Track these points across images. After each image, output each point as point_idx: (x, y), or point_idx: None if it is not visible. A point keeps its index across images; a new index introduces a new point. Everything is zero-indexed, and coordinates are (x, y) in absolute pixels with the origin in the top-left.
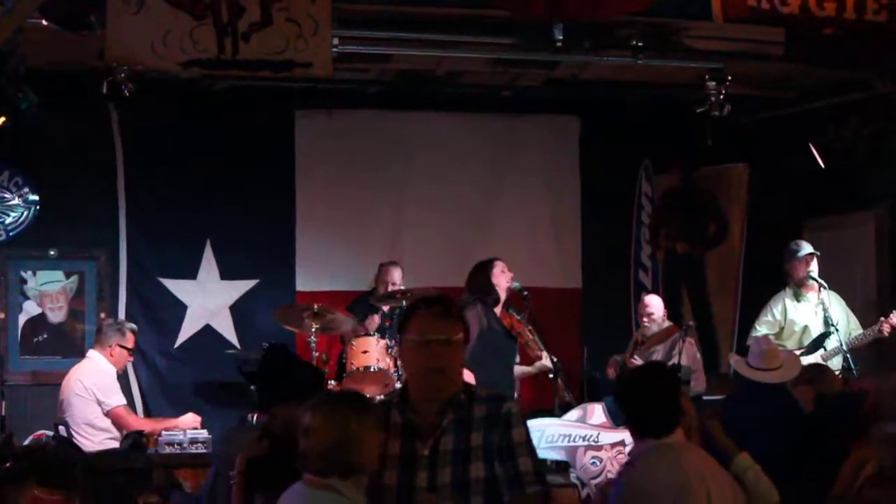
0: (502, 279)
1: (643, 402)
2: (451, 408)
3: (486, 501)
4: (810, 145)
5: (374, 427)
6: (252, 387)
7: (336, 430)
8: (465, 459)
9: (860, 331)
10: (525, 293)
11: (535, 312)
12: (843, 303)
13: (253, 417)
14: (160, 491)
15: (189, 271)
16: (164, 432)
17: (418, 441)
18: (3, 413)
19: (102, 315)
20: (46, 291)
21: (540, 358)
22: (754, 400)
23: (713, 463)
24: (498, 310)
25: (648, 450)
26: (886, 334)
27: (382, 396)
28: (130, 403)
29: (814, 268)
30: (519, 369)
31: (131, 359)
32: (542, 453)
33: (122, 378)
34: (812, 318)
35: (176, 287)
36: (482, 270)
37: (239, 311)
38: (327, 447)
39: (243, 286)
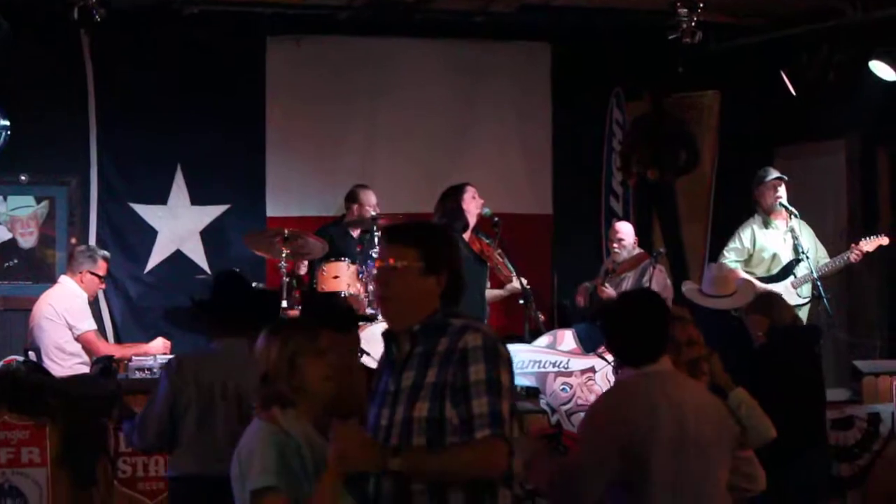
0: (472, 205)
1: (626, 331)
2: (418, 340)
3: (429, 443)
4: (782, 73)
5: (314, 354)
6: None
7: (271, 359)
8: (416, 397)
9: (828, 259)
10: (495, 219)
11: (505, 239)
12: (811, 231)
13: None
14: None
15: (159, 196)
16: (134, 358)
17: (392, 376)
18: None
19: (73, 240)
20: (17, 216)
21: (510, 280)
22: (702, 327)
23: (699, 393)
24: (467, 235)
25: (628, 377)
26: (856, 261)
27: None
28: (101, 328)
29: (782, 194)
30: (490, 293)
31: (103, 286)
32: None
33: (93, 303)
34: (781, 245)
35: (146, 212)
36: (452, 196)
37: (209, 236)
38: (262, 377)
39: (214, 211)
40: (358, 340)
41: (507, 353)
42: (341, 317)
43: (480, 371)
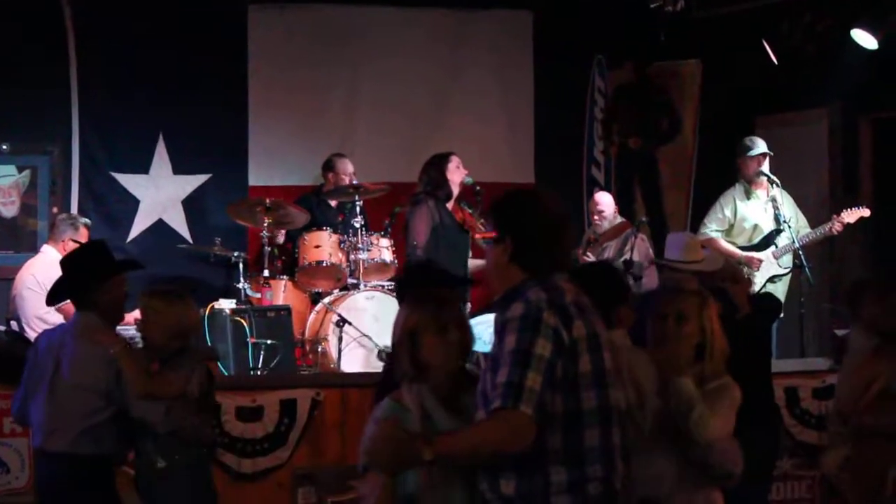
0: (457, 175)
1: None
2: (498, 311)
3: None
4: (764, 42)
5: (435, 331)
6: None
7: (395, 335)
8: (488, 369)
9: (808, 229)
10: (477, 188)
11: (486, 207)
12: (792, 201)
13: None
14: None
15: (141, 165)
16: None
17: None
18: None
19: (55, 210)
20: None
21: None
22: None
23: (632, 366)
24: (450, 205)
25: None
26: (837, 232)
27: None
28: None
29: (765, 165)
30: (473, 263)
31: None
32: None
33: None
34: (762, 215)
35: (128, 181)
36: (436, 164)
37: (191, 205)
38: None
39: (196, 181)
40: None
41: (555, 321)
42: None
43: (511, 341)
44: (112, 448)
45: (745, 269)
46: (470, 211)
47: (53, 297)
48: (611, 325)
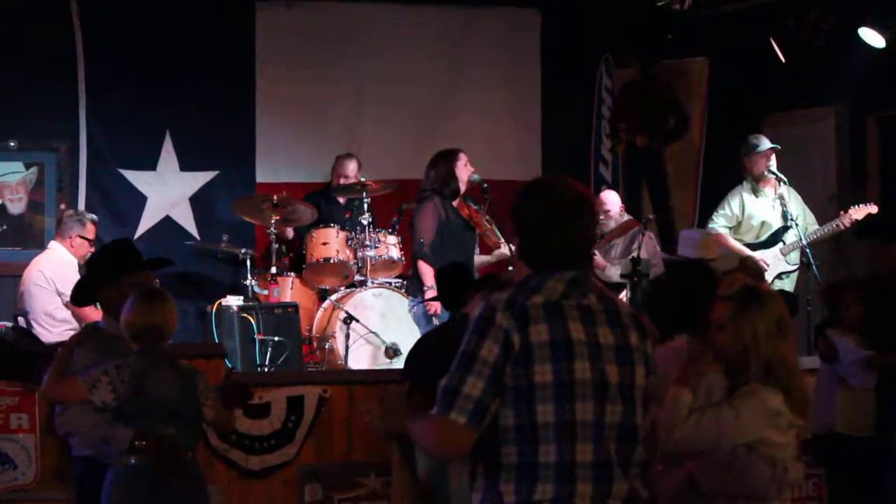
0: (465, 172)
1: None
2: None
3: None
4: (771, 40)
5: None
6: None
7: None
8: None
9: (817, 226)
10: (485, 185)
11: (494, 205)
12: (800, 198)
13: (212, 308)
14: None
15: (149, 162)
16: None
17: None
18: None
19: (62, 206)
20: (6, 182)
21: (499, 247)
22: None
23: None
24: (456, 201)
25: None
26: (845, 229)
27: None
28: None
29: (772, 162)
30: (478, 259)
31: (92, 250)
32: None
33: (82, 269)
34: (770, 212)
35: (136, 178)
36: (444, 161)
37: (199, 202)
38: None
39: (203, 177)
40: None
41: (508, 323)
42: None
43: (463, 343)
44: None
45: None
46: (476, 208)
47: (78, 295)
48: (694, 327)
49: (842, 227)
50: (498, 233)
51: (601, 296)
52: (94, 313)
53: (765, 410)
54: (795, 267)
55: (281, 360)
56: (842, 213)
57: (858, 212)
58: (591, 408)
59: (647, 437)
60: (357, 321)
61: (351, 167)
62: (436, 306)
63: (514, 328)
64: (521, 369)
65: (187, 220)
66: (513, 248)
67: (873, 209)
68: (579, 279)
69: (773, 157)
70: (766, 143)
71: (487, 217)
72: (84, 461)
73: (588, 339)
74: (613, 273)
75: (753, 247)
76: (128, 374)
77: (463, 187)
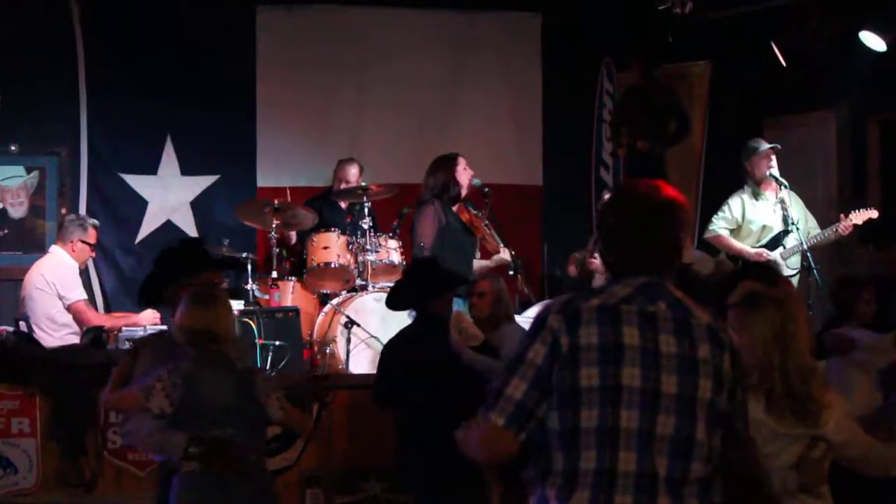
0: (464, 176)
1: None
2: None
3: None
4: (772, 44)
5: None
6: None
7: None
8: None
9: (818, 230)
10: (486, 190)
11: (495, 210)
12: (801, 202)
13: None
14: None
15: (150, 167)
16: (124, 328)
17: None
18: None
19: (63, 211)
20: (7, 187)
21: (498, 251)
22: None
23: None
24: (455, 206)
25: None
26: (845, 234)
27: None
28: (91, 299)
29: (774, 165)
30: (477, 263)
31: (93, 254)
32: None
33: (84, 274)
34: (771, 216)
35: (136, 182)
36: (444, 166)
37: (200, 206)
38: None
39: (204, 182)
40: None
41: (558, 325)
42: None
43: (518, 342)
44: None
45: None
46: (475, 213)
47: (143, 295)
48: None
49: (842, 232)
50: (497, 237)
51: (676, 304)
52: (97, 317)
53: None
54: (796, 271)
55: (282, 364)
56: (842, 217)
57: (859, 216)
58: (638, 416)
59: (713, 454)
60: (358, 325)
61: (352, 171)
62: None
63: (563, 330)
64: (567, 372)
65: (188, 225)
66: (512, 252)
67: (874, 214)
68: (651, 285)
69: (775, 159)
70: (764, 145)
71: (487, 222)
72: (162, 466)
73: (644, 345)
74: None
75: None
76: (180, 379)
77: (463, 192)
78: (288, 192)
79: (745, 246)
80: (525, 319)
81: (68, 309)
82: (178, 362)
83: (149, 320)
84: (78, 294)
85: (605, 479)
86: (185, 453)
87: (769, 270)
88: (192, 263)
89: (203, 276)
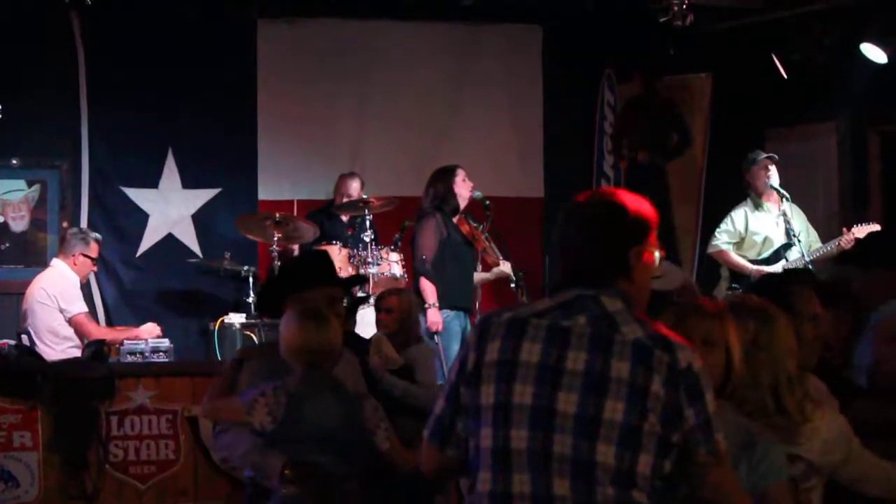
0: (463, 188)
1: None
2: None
3: None
4: (773, 56)
5: None
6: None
7: None
8: None
9: (819, 244)
10: (487, 202)
11: (496, 222)
12: (803, 215)
13: (214, 326)
14: None
15: (151, 180)
16: (126, 342)
17: None
18: None
19: (64, 224)
20: (8, 200)
21: (498, 264)
22: None
23: None
24: (456, 218)
25: None
26: (848, 247)
27: None
28: (93, 312)
29: (774, 174)
30: (478, 276)
31: (94, 268)
32: None
33: (85, 287)
34: (773, 228)
35: (138, 196)
36: (443, 178)
37: (201, 219)
38: None
39: (205, 195)
40: None
41: (473, 339)
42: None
43: None
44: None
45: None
46: (476, 225)
47: (262, 302)
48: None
49: (844, 246)
50: (496, 251)
51: (602, 318)
52: (97, 330)
53: None
54: None
55: None
56: (844, 230)
57: (861, 230)
58: (527, 435)
59: (641, 479)
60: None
61: (354, 186)
62: (437, 322)
63: (472, 346)
64: (472, 389)
65: (189, 238)
66: (512, 265)
67: (876, 227)
68: (581, 298)
69: (774, 170)
70: (762, 155)
71: (487, 234)
72: (252, 484)
73: (542, 361)
74: None
75: (755, 263)
76: (284, 397)
77: (462, 204)
78: (295, 204)
79: (746, 263)
80: None
81: (69, 322)
82: (284, 378)
83: (149, 333)
84: (79, 307)
85: (500, 502)
86: (281, 476)
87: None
88: (317, 275)
89: (324, 290)
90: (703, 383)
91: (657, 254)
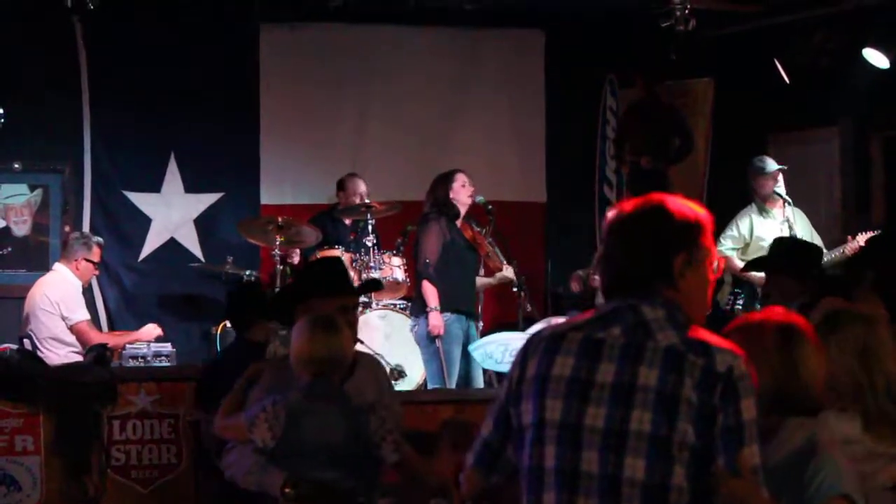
0: (462, 193)
1: None
2: None
3: None
4: (775, 60)
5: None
6: None
7: None
8: None
9: (824, 250)
10: (489, 207)
11: (498, 226)
12: (807, 220)
13: (216, 330)
14: None
15: (153, 184)
16: (127, 346)
17: None
18: None
19: (67, 228)
20: (11, 205)
21: (500, 269)
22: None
23: None
24: (459, 222)
25: None
26: (851, 253)
27: None
28: (95, 317)
29: (780, 183)
30: (480, 281)
31: (97, 272)
32: (506, 367)
33: (87, 292)
34: (778, 233)
35: (140, 200)
36: (442, 184)
37: (203, 224)
38: None
39: (207, 199)
40: None
41: (519, 357)
42: None
43: None
44: None
45: (759, 289)
46: (478, 230)
47: (275, 307)
48: None
49: (849, 254)
50: (500, 255)
51: (638, 327)
52: (99, 337)
53: None
54: None
55: None
56: (849, 238)
57: (865, 237)
58: (555, 452)
59: (669, 496)
60: (362, 343)
61: (362, 186)
62: (438, 325)
63: (517, 363)
64: (514, 408)
65: (192, 242)
66: (515, 270)
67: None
68: (619, 309)
69: (780, 177)
70: (772, 165)
71: (490, 240)
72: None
73: (574, 375)
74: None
75: None
76: (284, 412)
77: (462, 209)
78: (297, 209)
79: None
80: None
81: (71, 329)
82: (287, 392)
83: (149, 335)
84: (80, 315)
85: None
86: (282, 493)
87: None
88: (332, 283)
89: (337, 298)
90: (741, 387)
91: (710, 259)
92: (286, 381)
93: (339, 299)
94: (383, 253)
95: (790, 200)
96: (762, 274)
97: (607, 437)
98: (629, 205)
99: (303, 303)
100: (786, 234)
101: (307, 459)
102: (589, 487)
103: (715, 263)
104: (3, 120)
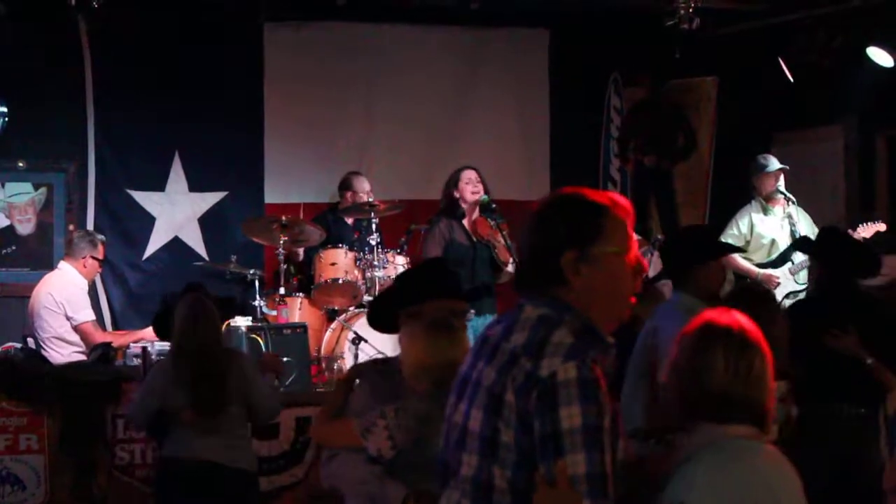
0: (466, 191)
1: None
2: None
3: None
4: (779, 59)
5: None
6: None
7: None
8: None
9: None
10: (493, 206)
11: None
12: (808, 218)
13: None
14: None
15: (157, 183)
16: (132, 345)
17: None
18: None
19: (71, 227)
20: (15, 203)
21: (507, 265)
22: None
23: None
24: (466, 221)
25: None
26: None
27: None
28: (99, 315)
29: (781, 181)
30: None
31: (101, 270)
32: None
33: (91, 290)
34: (779, 231)
35: (144, 199)
36: (449, 182)
37: (207, 222)
38: None
39: (212, 198)
40: None
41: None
42: None
43: (581, 413)
44: None
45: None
46: (492, 223)
47: (374, 315)
48: None
49: None
50: (511, 252)
51: (512, 326)
52: (103, 337)
53: None
54: (804, 286)
55: (289, 381)
56: (850, 231)
57: (867, 230)
58: (443, 448)
59: (486, 491)
60: (366, 341)
61: (366, 185)
62: None
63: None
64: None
65: (196, 241)
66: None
67: (881, 227)
68: (512, 310)
69: (782, 176)
70: (774, 164)
71: (505, 233)
72: None
73: (465, 373)
74: None
75: (762, 266)
76: (412, 421)
77: (465, 206)
78: (301, 208)
79: (752, 266)
80: None
81: (76, 329)
82: (404, 399)
83: (153, 335)
84: (85, 315)
85: None
86: None
87: (758, 299)
88: (439, 287)
89: (446, 302)
90: (561, 395)
91: (621, 252)
92: (391, 387)
93: (452, 303)
94: (387, 252)
95: (793, 199)
96: (761, 271)
97: (461, 434)
98: (538, 201)
99: (407, 308)
100: (787, 231)
101: (430, 473)
102: (455, 483)
103: (633, 255)
104: (6, 118)
